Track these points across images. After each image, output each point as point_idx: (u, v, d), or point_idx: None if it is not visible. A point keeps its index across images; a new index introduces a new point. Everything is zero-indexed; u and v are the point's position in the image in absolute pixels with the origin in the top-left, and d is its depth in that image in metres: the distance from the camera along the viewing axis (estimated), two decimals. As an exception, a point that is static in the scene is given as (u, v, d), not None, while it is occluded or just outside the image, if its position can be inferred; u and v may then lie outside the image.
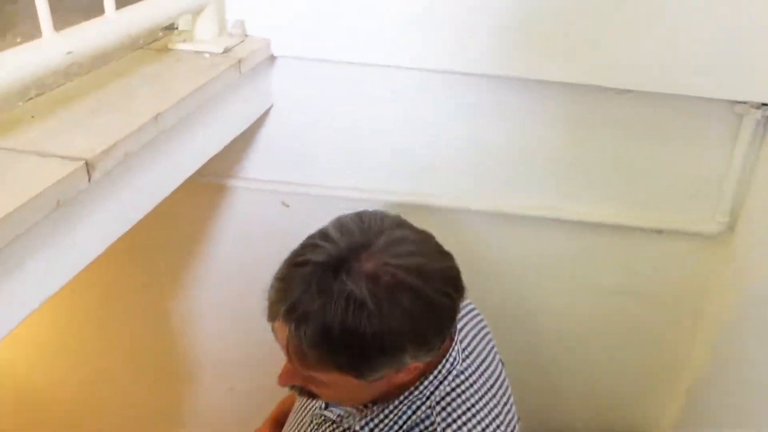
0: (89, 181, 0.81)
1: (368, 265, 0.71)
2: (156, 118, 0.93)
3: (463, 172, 1.35)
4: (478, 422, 0.81)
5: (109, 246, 0.91)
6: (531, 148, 1.31)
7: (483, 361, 0.90)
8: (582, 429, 1.70)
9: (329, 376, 0.75)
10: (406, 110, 1.31)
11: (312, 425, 0.89)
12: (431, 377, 0.82)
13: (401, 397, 0.81)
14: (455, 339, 0.86)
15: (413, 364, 0.76)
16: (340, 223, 0.76)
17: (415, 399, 0.82)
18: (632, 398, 1.62)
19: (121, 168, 0.89)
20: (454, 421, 0.81)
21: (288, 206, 1.45)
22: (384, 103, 1.31)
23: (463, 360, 0.86)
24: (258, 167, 1.42)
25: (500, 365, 0.95)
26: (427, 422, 0.81)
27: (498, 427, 0.84)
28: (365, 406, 0.84)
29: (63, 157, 0.80)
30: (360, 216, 0.78)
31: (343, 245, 0.73)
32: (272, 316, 0.74)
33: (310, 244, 0.75)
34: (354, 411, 0.84)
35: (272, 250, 1.46)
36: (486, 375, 0.88)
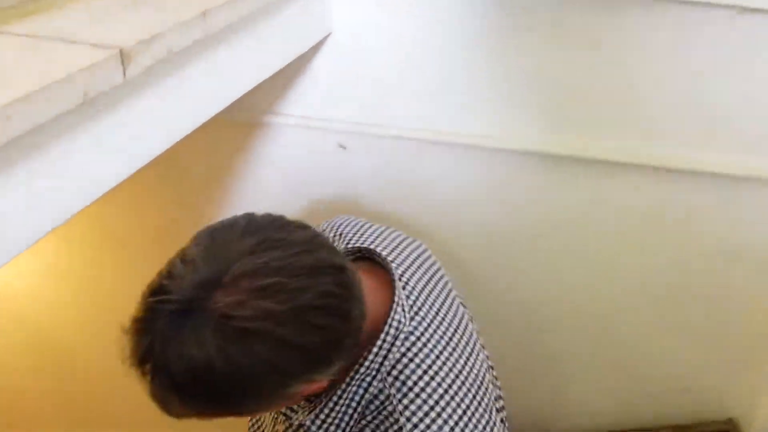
0: (124, 75, 0.67)
1: (215, 308, 0.60)
2: (204, 15, 0.79)
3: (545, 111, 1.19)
4: (438, 384, 0.74)
5: (143, 166, 0.77)
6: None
7: (438, 312, 0.81)
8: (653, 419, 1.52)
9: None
10: (478, 40, 1.15)
11: (272, 418, 0.85)
12: (375, 349, 0.73)
13: (348, 379, 0.74)
14: (396, 299, 0.76)
15: (317, 382, 0.68)
16: (184, 254, 0.65)
17: (364, 376, 0.74)
18: (720, 381, 1.44)
19: (162, 67, 0.75)
20: (411, 389, 0.73)
21: (345, 148, 1.30)
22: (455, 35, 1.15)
23: (411, 319, 0.77)
24: (311, 103, 1.28)
25: (460, 309, 0.85)
26: (381, 396, 0.74)
27: (463, 383, 0.75)
28: (309, 401, 0.77)
29: (94, 45, 0.67)
30: (212, 236, 0.66)
31: (186, 285, 0.61)
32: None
33: (158, 285, 0.63)
34: (302, 405, 0.77)
35: (325, 200, 1.34)
36: (443, 328, 0.79)
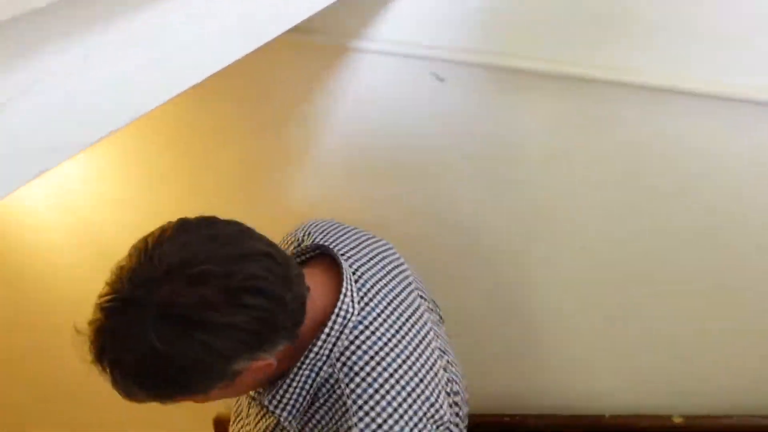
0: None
1: (153, 300, 0.68)
2: None
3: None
4: (384, 369, 0.80)
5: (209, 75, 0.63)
6: None
7: (390, 304, 0.88)
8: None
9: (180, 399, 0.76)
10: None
11: (247, 404, 0.94)
12: (323, 336, 0.81)
13: (299, 364, 0.81)
14: (345, 290, 0.83)
15: (263, 360, 0.75)
16: (122, 260, 0.72)
17: (314, 361, 0.81)
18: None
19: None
20: (357, 374, 0.80)
21: (443, 80, 1.12)
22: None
23: (361, 310, 0.84)
24: (405, 26, 1.10)
25: (416, 302, 0.92)
26: (331, 380, 0.81)
27: (410, 368, 0.82)
28: (271, 383, 0.84)
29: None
30: (146, 240, 0.73)
31: (126, 285, 0.69)
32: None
33: (104, 289, 0.71)
34: (267, 388, 0.85)
35: (416, 135, 1.17)
36: (393, 318, 0.86)
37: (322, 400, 0.82)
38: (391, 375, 0.80)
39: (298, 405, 0.83)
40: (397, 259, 0.97)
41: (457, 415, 0.87)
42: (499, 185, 1.22)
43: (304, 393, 0.82)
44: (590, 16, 1.00)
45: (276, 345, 0.75)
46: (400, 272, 0.95)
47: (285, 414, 0.83)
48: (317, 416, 0.82)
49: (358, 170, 1.31)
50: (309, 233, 0.97)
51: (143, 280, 0.68)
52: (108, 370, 0.70)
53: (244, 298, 0.70)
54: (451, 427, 0.83)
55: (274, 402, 0.83)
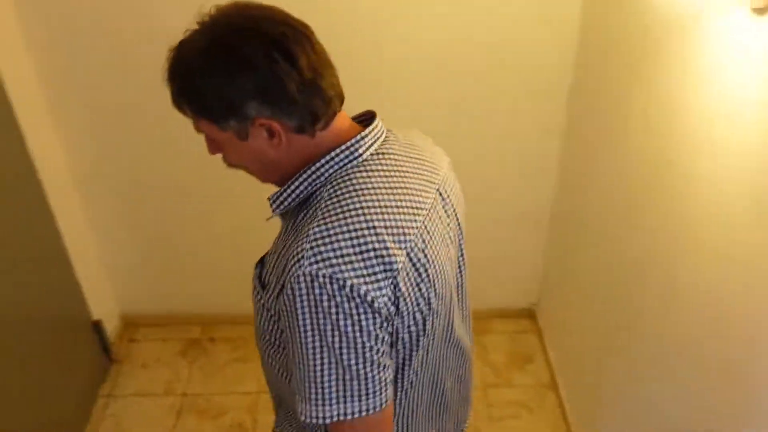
0: None
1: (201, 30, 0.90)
2: None
3: None
4: (359, 203, 0.92)
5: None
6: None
7: (405, 182, 0.99)
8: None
9: (206, 126, 0.94)
10: None
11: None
12: (327, 157, 0.95)
13: (300, 173, 0.96)
14: (366, 134, 0.98)
15: (259, 119, 0.91)
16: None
17: (312, 176, 0.96)
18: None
19: None
20: (336, 194, 0.94)
21: None
22: None
23: (372, 154, 0.98)
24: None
25: (432, 200, 1.01)
26: (316, 194, 0.96)
27: (379, 215, 0.92)
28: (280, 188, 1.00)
29: None
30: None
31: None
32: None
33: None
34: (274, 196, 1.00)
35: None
36: (398, 191, 0.96)
37: (305, 211, 0.96)
38: (359, 209, 0.92)
39: (287, 204, 0.98)
40: (449, 173, 1.11)
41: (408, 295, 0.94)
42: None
43: (294, 196, 0.98)
44: None
45: (289, 115, 0.92)
46: (443, 181, 1.07)
47: (275, 206, 0.99)
48: (299, 220, 0.96)
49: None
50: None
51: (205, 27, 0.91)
52: (170, 85, 0.92)
53: (270, 50, 0.87)
54: (378, 297, 0.90)
55: (273, 198, 0.99)
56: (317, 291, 0.89)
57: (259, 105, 0.90)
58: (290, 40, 0.88)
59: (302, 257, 0.89)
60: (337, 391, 0.92)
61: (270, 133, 0.94)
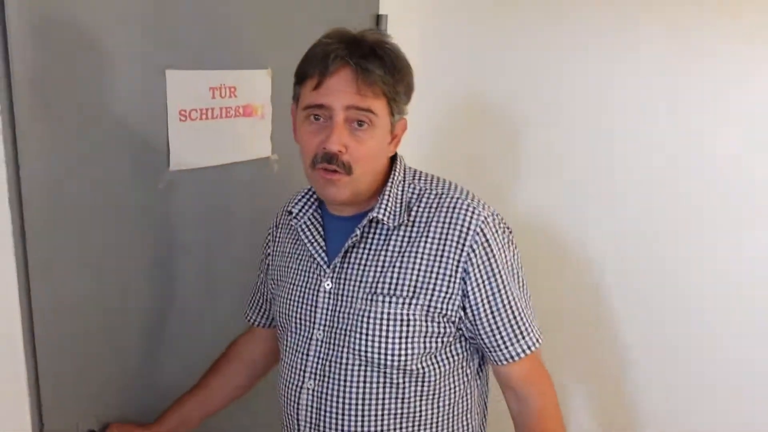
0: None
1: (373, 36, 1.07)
2: None
3: None
4: (445, 180, 1.14)
5: None
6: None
7: None
8: None
9: (379, 105, 1.03)
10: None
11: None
12: (397, 171, 1.12)
13: (388, 188, 1.10)
14: (401, 159, 1.15)
15: (401, 120, 1.10)
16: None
17: (397, 185, 1.11)
18: None
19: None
20: (429, 181, 1.13)
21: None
22: None
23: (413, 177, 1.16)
24: None
25: None
26: (416, 190, 1.12)
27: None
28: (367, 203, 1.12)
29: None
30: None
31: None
32: (333, 68, 1.01)
33: (323, 37, 1.07)
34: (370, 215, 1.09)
35: None
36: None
37: (416, 208, 1.09)
38: (452, 184, 1.13)
39: (397, 211, 1.09)
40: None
41: None
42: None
43: (399, 202, 1.09)
44: None
45: (403, 114, 1.09)
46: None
47: (392, 216, 1.08)
48: (418, 217, 1.08)
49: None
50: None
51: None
52: (364, 61, 1.02)
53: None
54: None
55: (383, 209, 1.08)
56: (501, 226, 1.09)
57: (406, 102, 1.09)
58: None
59: (473, 208, 1.07)
60: (534, 311, 1.12)
61: (403, 128, 1.11)
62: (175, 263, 1.32)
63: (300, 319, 1.15)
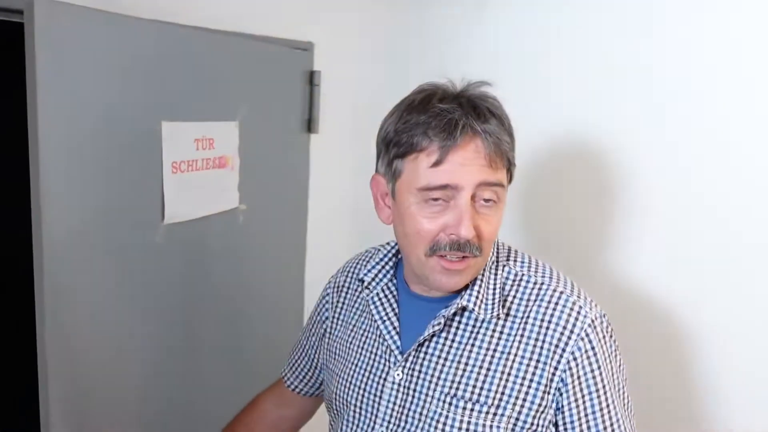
0: None
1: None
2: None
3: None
4: (545, 265, 0.98)
5: None
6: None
7: None
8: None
9: (505, 175, 0.90)
10: None
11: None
12: (492, 250, 0.97)
13: (479, 276, 0.94)
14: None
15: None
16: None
17: (491, 267, 0.96)
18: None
19: None
20: (527, 265, 0.97)
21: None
22: None
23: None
24: None
25: None
26: (512, 275, 0.96)
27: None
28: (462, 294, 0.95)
29: None
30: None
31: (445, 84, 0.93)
32: (461, 139, 0.86)
33: (424, 90, 0.92)
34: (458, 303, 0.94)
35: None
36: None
37: (513, 293, 0.94)
38: (545, 266, 0.98)
39: (490, 301, 0.93)
40: None
41: None
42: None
43: (492, 288, 0.94)
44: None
45: None
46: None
47: (492, 309, 0.93)
48: (513, 309, 0.93)
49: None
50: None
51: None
52: (489, 127, 0.87)
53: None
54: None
55: (474, 298, 0.93)
56: (608, 332, 0.92)
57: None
58: None
59: (579, 307, 0.91)
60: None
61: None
62: (166, 316, 1.27)
63: (360, 408, 1.00)
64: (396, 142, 0.90)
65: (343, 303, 1.09)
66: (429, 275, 0.92)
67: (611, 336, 0.93)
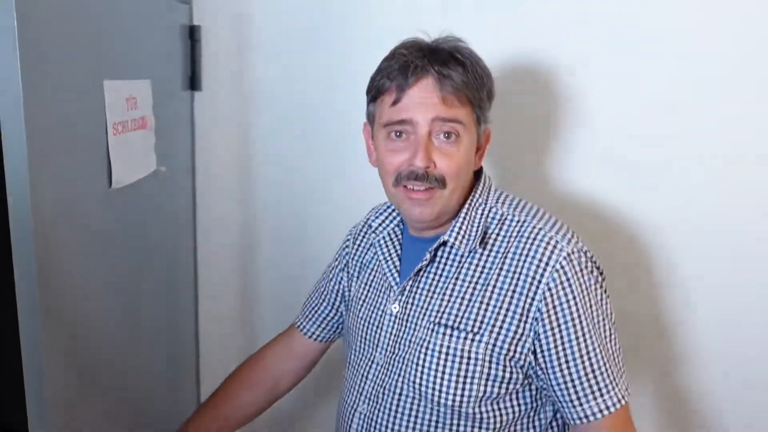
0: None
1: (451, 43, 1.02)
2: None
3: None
4: (533, 207, 1.07)
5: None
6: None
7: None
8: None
9: (465, 114, 0.97)
10: None
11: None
12: (479, 191, 1.06)
13: (466, 208, 1.03)
14: (485, 181, 1.09)
15: (487, 129, 1.05)
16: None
17: (476, 207, 1.04)
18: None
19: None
20: (513, 206, 1.05)
21: None
22: None
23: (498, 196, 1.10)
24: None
25: None
26: (497, 215, 1.04)
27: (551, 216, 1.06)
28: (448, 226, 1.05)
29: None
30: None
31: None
32: (413, 79, 0.95)
33: (398, 48, 1.02)
34: (444, 237, 1.03)
35: None
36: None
37: (496, 231, 1.02)
38: (538, 210, 1.06)
39: (472, 237, 1.02)
40: None
41: None
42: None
43: (475, 226, 1.02)
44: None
45: (486, 124, 1.04)
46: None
47: (466, 242, 1.01)
48: (495, 245, 1.00)
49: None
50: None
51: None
52: (446, 71, 0.96)
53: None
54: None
55: (455, 233, 1.01)
56: (587, 266, 0.97)
57: (489, 108, 1.04)
58: None
59: (555, 241, 0.97)
60: (623, 365, 1.00)
61: (486, 139, 1.07)
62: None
63: (364, 338, 1.10)
64: (369, 89, 1.03)
65: (358, 247, 1.21)
66: (401, 206, 1.04)
67: (591, 271, 0.98)
